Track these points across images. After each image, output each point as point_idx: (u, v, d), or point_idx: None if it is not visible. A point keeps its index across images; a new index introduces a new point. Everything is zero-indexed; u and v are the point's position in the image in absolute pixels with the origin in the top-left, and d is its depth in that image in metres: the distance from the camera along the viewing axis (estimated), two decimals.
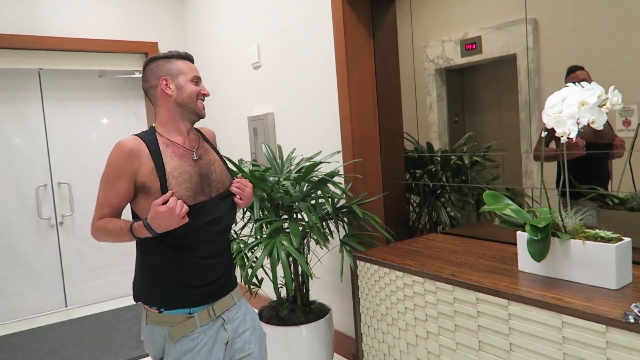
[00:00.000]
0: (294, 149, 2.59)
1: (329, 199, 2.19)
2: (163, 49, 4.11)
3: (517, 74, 2.50)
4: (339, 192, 2.29)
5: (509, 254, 1.79)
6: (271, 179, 2.24)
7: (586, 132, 1.91)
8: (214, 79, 3.86)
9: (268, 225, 2.19)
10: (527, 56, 2.46)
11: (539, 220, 1.45)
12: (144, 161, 1.46)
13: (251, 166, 2.41)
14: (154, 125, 1.59)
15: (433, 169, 2.79)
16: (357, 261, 1.97)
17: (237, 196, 1.62)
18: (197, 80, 1.59)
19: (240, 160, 2.39)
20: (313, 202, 2.25)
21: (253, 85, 3.36)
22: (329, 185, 2.22)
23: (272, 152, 2.47)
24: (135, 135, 1.52)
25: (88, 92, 4.08)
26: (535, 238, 1.41)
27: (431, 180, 2.81)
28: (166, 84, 1.54)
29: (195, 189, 1.50)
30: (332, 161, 2.51)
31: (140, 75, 1.71)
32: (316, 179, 2.20)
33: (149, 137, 1.52)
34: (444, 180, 2.78)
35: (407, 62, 2.90)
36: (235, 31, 3.51)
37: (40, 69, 3.81)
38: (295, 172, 2.28)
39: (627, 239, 1.37)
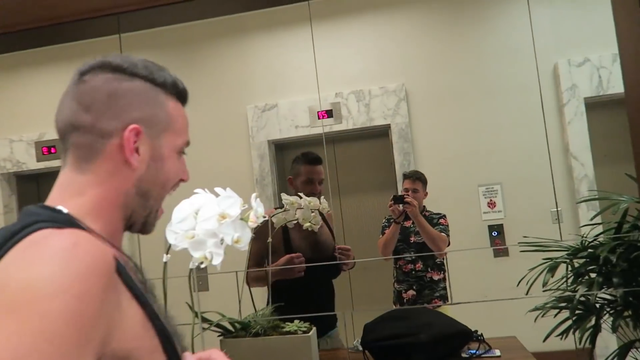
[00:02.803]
0: None
1: None
2: None
3: None
4: None
5: None
6: None
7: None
8: None
9: None
10: None
11: None
12: (124, 302, 0.65)
13: None
14: (61, 208, 0.69)
15: None
16: None
17: None
18: (184, 148, 0.82)
19: None
20: None
21: None
22: None
23: None
24: (68, 226, 0.64)
25: None
26: None
27: None
28: (136, 140, 0.73)
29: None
30: None
31: None
32: None
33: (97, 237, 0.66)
34: None
35: None
36: None
37: None
38: None
39: None
